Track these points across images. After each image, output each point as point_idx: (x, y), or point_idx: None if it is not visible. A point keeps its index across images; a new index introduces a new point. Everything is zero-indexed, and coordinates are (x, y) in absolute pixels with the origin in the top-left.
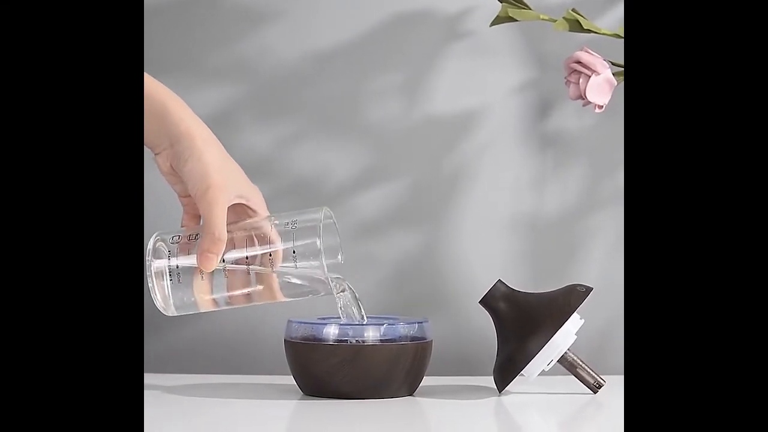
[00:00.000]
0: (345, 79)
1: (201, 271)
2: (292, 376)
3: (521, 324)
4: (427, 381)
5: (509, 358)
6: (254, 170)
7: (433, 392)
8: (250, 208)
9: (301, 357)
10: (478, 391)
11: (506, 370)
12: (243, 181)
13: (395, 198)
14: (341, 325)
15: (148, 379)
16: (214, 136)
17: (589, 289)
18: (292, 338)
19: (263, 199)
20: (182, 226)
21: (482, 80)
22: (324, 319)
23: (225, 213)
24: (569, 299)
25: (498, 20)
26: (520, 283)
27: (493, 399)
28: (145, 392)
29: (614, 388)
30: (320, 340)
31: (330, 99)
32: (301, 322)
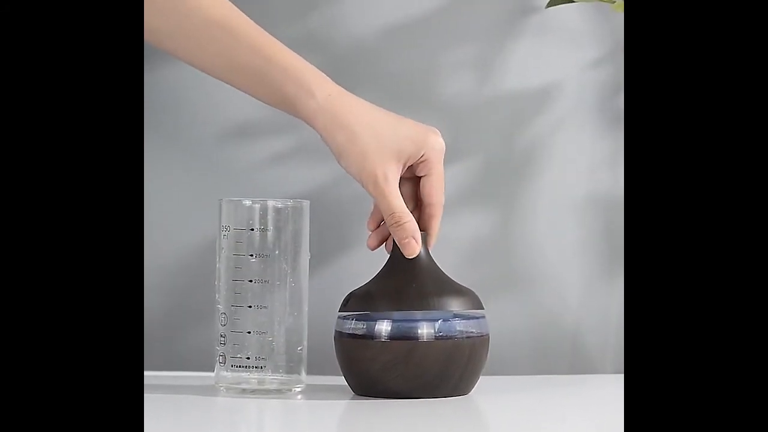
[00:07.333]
0: (416, 54)
1: None
2: (342, 375)
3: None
4: (485, 380)
5: None
6: (324, 148)
7: (492, 392)
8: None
9: (351, 354)
10: (540, 391)
11: None
12: (394, 140)
13: (466, 176)
14: (394, 320)
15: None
16: (335, 103)
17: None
18: (341, 334)
19: (433, 138)
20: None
21: (556, 56)
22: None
23: (395, 190)
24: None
25: (554, 2)
26: (595, 266)
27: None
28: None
29: (614, 386)
30: (372, 336)
31: (401, 74)
32: (351, 318)
